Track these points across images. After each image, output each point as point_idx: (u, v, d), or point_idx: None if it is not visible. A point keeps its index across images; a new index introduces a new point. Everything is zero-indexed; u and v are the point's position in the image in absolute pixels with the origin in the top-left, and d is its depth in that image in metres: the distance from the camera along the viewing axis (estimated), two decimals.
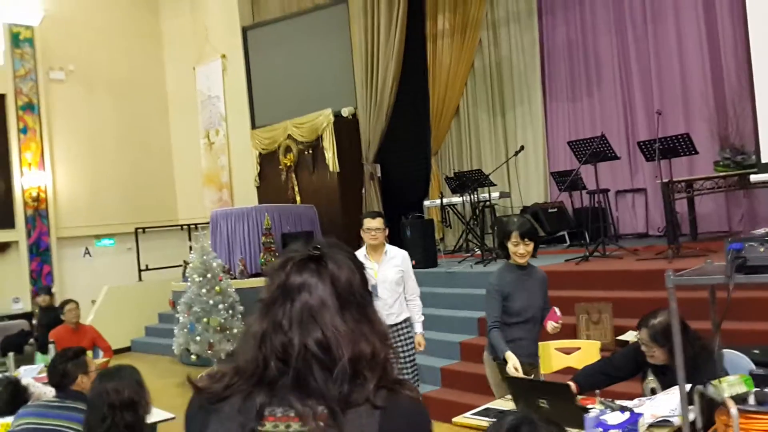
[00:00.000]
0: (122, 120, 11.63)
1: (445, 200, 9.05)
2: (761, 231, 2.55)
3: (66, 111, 11.07)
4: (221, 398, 1.17)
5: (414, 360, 4.46)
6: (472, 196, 8.24)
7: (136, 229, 11.06)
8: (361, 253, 4.39)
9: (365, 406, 1.12)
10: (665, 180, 6.17)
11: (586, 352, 3.87)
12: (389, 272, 4.34)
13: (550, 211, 8.15)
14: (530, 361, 3.78)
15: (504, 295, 3.73)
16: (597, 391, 3.24)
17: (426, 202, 9.73)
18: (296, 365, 1.13)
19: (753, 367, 3.12)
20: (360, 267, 1.24)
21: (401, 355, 4.36)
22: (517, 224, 3.76)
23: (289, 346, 1.14)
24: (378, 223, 4.34)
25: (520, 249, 3.72)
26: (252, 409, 1.14)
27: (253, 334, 1.18)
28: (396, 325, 4.34)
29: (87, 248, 11.16)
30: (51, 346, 5.69)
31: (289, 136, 10.21)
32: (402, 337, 4.38)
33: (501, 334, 3.67)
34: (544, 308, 3.82)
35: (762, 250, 2.38)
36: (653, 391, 3.15)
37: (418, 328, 4.47)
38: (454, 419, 3.25)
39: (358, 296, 1.20)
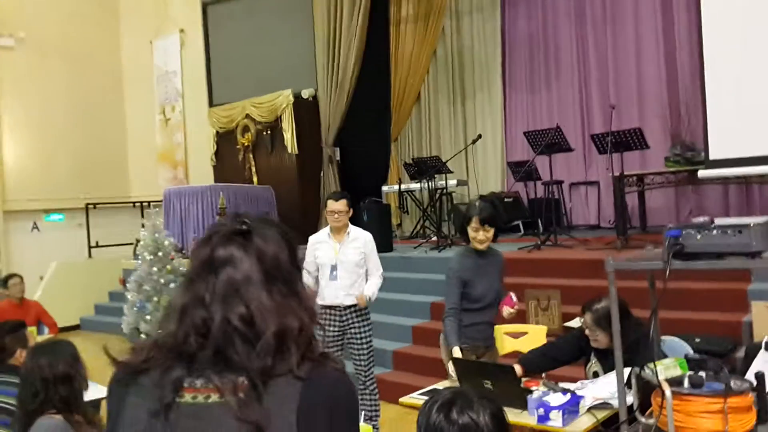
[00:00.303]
0: (75, 91, 11.26)
1: (403, 186, 9.07)
2: (700, 219, 2.60)
3: (16, 79, 10.68)
4: (140, 371, 1.16)
5: (371, 342, 4.45)
6: (429, 183, 8.28)
7: (87, 204, 10.78)
8: (324, 233, 4.44)
9: (287, 376, 1.11)
10: (617, 173, 6.31)
11: (534, 337, 3.96)
12: (350, 253, 4.35)
13: (505, 200, 8.25)
14: (487, 344, 3.81)
15: (464, 281, 3.68)
16: (543, 374, 3.33)
17: (384, 188, 9.73)
18: (216, 339, 1.12)
19: (691, 352, 3.24)
20: (290, 243, 1.23)
21: (358, 336, 4.37)
22: (478, 209, 3.69)
23: (209, 320, 1.13)
24: (341, 205, 4.34)
25: (479, 235, 3.67)
26: (170, 382, 1.12)
27: (174, 309, 1.17)
28: (353, 306, 4.34)
29: (35, 223, 10.83)
30: None
31: (248, 116, 10.06)
32: (359, 319, 4.39)
33: (455, 324, 3.62)
34: (499, 290, 3.81)
35: (699, 237, 2.43)
36: (596, 375, 3.24)
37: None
38: (401, 399, 3.29)
39: (285, 272, 1.19)
